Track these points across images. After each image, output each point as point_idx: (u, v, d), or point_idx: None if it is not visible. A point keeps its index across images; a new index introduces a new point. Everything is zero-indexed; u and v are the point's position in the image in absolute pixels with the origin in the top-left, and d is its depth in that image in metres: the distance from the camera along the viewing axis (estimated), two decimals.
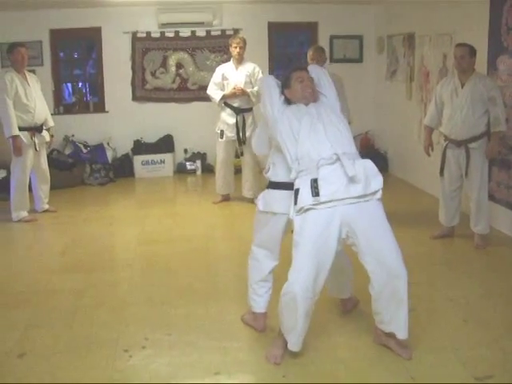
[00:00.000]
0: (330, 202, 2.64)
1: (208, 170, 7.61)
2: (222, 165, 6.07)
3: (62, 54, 7.89)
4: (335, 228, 2.67)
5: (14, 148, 5.30)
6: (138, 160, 7.57)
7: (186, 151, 7.84)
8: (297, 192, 2.71)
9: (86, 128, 7.54)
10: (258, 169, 5.99)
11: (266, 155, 3.11)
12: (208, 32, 7.61)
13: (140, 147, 7.61)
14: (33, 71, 6.10)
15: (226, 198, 6.21)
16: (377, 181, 2.72)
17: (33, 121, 5.42)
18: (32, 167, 5.54)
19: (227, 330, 3.18)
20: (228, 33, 7.45)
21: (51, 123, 5.69)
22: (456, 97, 4.41)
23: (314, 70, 3.07)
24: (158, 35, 7.57)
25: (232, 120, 5.87)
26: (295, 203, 2.71)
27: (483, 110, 4.33)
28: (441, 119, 4.61)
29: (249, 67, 5.89)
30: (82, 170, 7.20)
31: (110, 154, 7.47)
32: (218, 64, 6.56)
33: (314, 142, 2.74)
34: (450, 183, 4.62)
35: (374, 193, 2.71)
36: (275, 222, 2.96)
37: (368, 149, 7.49)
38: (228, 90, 5.83)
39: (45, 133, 5.59)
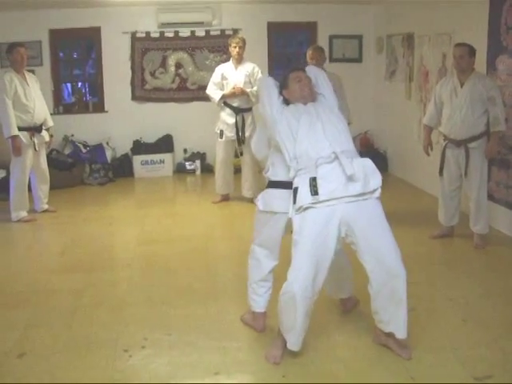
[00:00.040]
0: (328, 200, 2.65)
1: (207, 169, 7.61)
2: (222, 164, 6.07)
3: (61, 54, 7.88)
4: (334, 227, 2.67)
5: (14, 148, 5.30)
6: (137, 160, 7.56)
7: (185, 151, 7.84)
8: (296, 191, 2.71)
9: (85, 128, 7.54)
10: (258, 168, 5.98)
11: (266, 156, 3.11)
12: (207, 32, 7.61)
13: (139, 147, 7.61)
14: (32, 71, 6.09)
15: (226, 198, 6.21)
16: (376, 179, 2.72)
17: (32, 121, 5.41)
18: (31, 167, 5.53)
19: (227, 329, 3.18)
20: (227, 33, 7.46)
21: (51, 123, 5.69)
22: (455, 96, 4.41)
23: (311, 70, 3.09)
24: (157, 35, 7.56)
25: (231, 120, 5.87)
26: (294, 202, 2.71)
27: (482, 109, 4.33)
28: (440, 119, 4.61)
29: (248, 67, 5.89)
30: (82, 170, 7.20)
31: (109, 154, 7.47)
32: (218, 64, 6.55)
33: (313, 140, 2.74)
34: (450, 183, 4.62)
35: (373, 191, 2.71)
36: (275, 221, 2.96)
37: (367, 148, 7.49)
38: (227, 90, 5.84)
39: (44, 133, 5.59)
